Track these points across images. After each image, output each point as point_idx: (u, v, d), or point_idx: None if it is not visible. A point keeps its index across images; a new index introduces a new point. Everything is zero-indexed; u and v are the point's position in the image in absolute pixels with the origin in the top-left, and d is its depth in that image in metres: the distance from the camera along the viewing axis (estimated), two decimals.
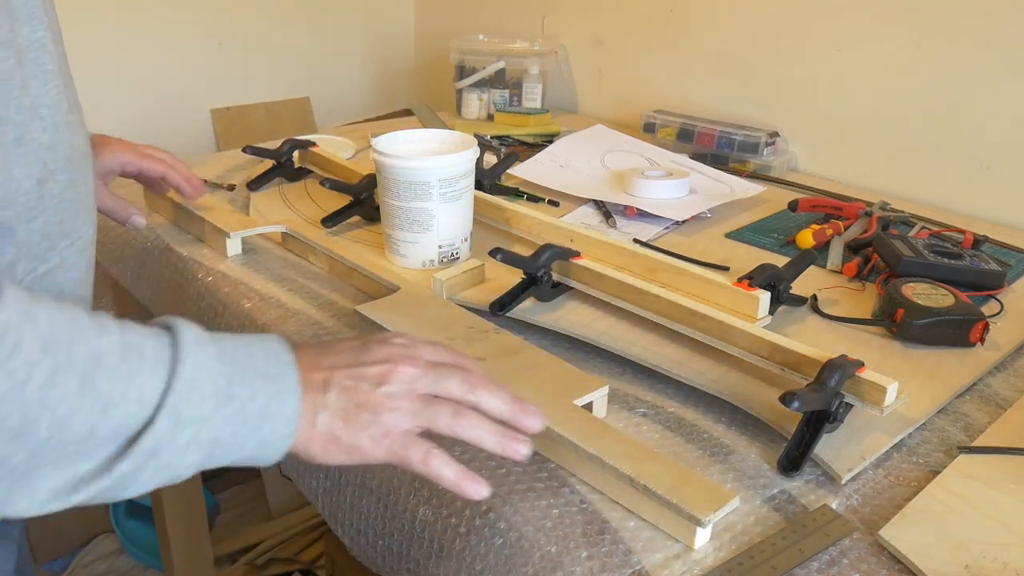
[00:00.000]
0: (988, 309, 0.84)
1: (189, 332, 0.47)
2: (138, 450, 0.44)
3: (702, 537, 0.53)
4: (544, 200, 1.11)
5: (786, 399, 0.57)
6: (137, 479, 0.45)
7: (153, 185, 0.95)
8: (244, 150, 1.17)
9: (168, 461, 0.45)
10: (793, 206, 1.09)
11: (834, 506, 0.57)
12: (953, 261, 0.86)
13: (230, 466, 0.49)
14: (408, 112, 1.67)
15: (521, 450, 0.52)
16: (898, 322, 0.75)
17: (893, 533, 0.54)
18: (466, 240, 0.90)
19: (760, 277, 0.77)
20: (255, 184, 1.11)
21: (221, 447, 0.47)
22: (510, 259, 0.78)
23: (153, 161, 0.89)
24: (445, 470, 0.51)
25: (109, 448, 0.44)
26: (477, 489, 0.51)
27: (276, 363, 0.50)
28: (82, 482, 0.44)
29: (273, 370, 0.49)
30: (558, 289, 0.81)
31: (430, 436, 0.52)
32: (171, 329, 0.47)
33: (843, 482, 0.59)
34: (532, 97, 1.57)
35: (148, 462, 0.44)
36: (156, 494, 1.26)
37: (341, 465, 0.51)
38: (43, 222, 0.54)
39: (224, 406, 0.46)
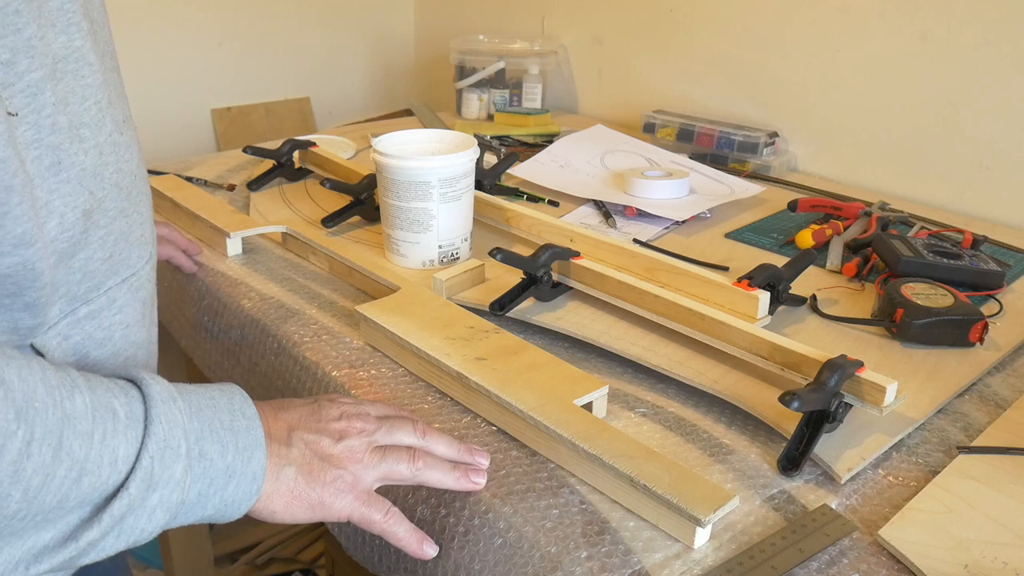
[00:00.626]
0: (987, 309, 0.84)
1: (156, 387, 0.46)
2: (107, 516, 0.42)
3: (702, 537, 0.53)
4: (544, 200, 1.11)
5: (786, 399, 0.57)
6: (98, 545, 0.43)
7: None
8: (244, 150, 1.17)
9: (134, 525, 0.43)
10: (793, 206, 1.09)
11: (834, 506, 0.57)
12: (952, 261, 0.86)
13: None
14: (408, 112, 1.67)
15: (480, 481, 0.56)
16: (897, 322, 0.76)
17: (893, 533, 0.54)
18: (466, 240, 0.90)
19: (760, 277, 0.77)
20: (255, 184, 1.11)
21: (186, 508, 0.46)
22: (510, 259, 0.78)
23: (161, 245, 0.88)
24: (400, 529, 0.53)
25: (76, 515, 0.42)
26: (428, 550, 0.54)
27: (241, 416, 0.49)
28: (45, 552, 0.42)
29: (239, 424, 0.48)
30: (558, 289, 0.81)
31: (385, 490, 0.55)
32: (137, 384, 0.46)
33: (843, 482, 0.59)
34: (532, 97, 1.57)
35: (114, 527, 0.43)
36: None
37: (302, 522, 0.51)
38: (84, 258, 0.48)
39: (195, 465, 0.45)
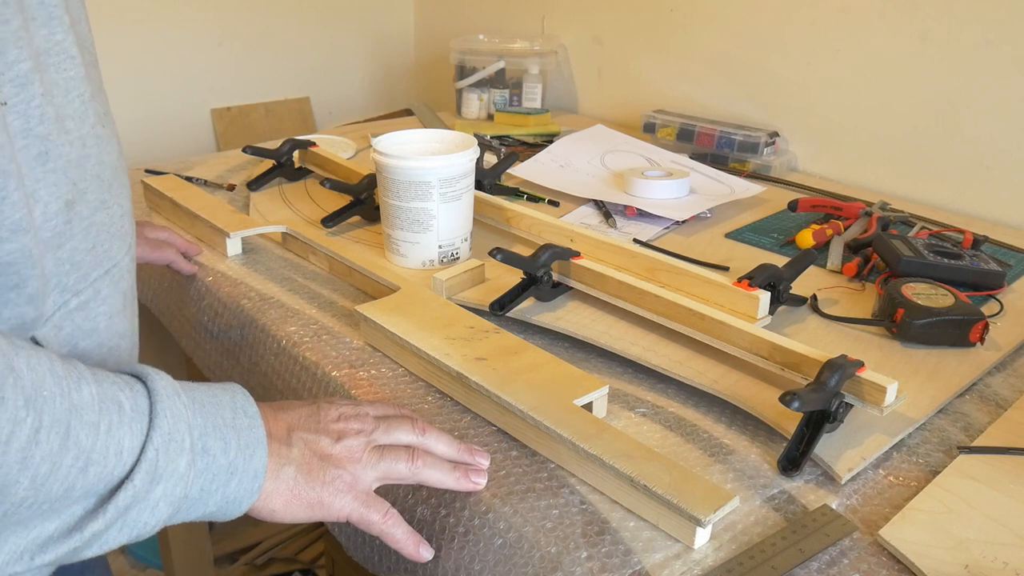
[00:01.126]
0: (988, 309, 0.84)
1: (161, 382, 0.46)
2: (112, 507, 0.42)
3: (702, 537, 0.53)
4: (544, 200, 1.11)
5: (786, 399, 0.57)
6: (102, 537, 0.43)
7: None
8: (244, 150, 1.17)
9: (137, 518, 0.44)
10: (793, 206, 1.09)
11: (834, 506, 0.57)
12: (953, 261, 0.86)
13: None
14: (408, 112, 1.67)
15: (480, 482, 0.57)
16: (898, 322, 0.75)
17: (893, 533, 0.54)
18: (466, 240, 0.90)
19: (760, 277, 0.76)
20: (255, 184, 1.11)
21: (188, 503, 0.46)
22: (510, 259, 0.78)
23: (158, 251, 0.88)
24: (398, 531, 0.54)
25: (81, 506, 0.43)
26: (424, 553, 0.55)
27: (243, 415, 0.49)
28: (49, 542, 0.42)
29: (241, 422, 0.49)
30: (558, 289, 0.81)
31: (385, 491, 0.55)
32: (143, 379, 0.46)
33: (843, 482, 0.59)
34: (532, 97, 1.57)
35: (118, 519, 0.43)
36: None
37: (301, 522, 0.52)
38: (71, 249, 0.49)
39: (198, 460, 0.46)
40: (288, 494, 0.50)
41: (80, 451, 0.41)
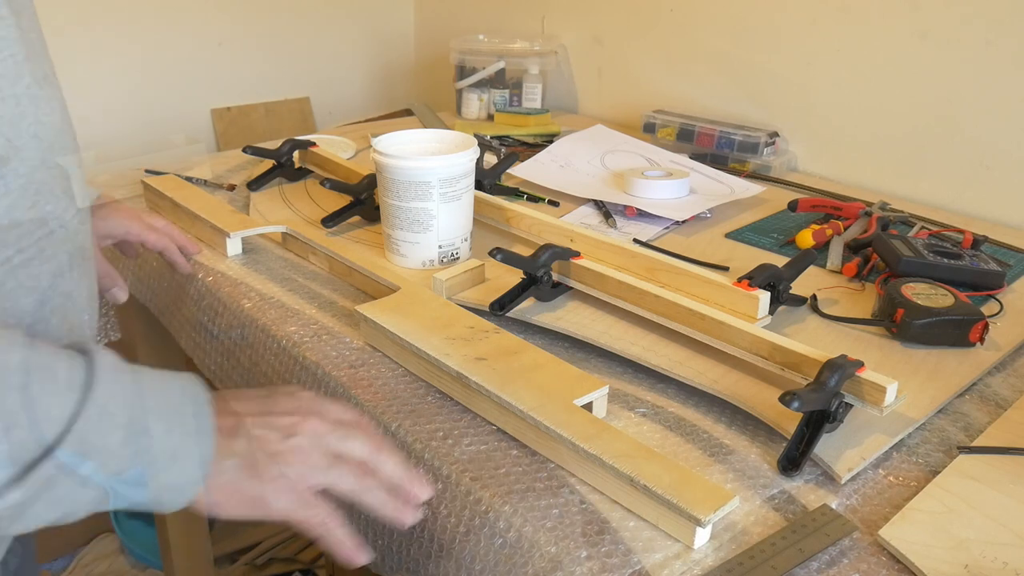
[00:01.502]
0: (988, 309, 0.84)
1: (105, 357, 0.45)
2: (34, 477, 0.41)
3: (702, 537, 0.53)
4: (544, 200, 1.11)
5: (786, 399, 0.57)
6: (27, 512, 0.42)
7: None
8: (244, 150, 1.17)
9: (64, 495, 0.42)
10: (793, 206, 1.09)
11: (834, 506, 0.57)
12: (953, 261, 0.86)
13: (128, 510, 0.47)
14: (408, 112, 1.67)
15: (411, 519, 0.54)
16: (898, 322, 0.76)
17: (893, 533, 0.54)
18: (466, 240, 0.90)
19: (760, 277, 0.77)
20: (255, 184, 1.11)
21: (123, 486, 0.44)
22: (510, 259, 0.78)
23: (156, 234, 0.86)
24: (338, 534, 0.52)
25: (4, 473, 0.41)
26: (361, 557, 0.52)
27: (192, 401, 0.48)
28: None
29: (188, 408, 0.47)
30: (558, 289, 0.81)
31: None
32: (86, 353, 0.45)
33: (843, 482, 0.59)
34: (532, 97, 1.57)
35: (42, 493, 0.41)
36: None
37: (239, 518, 0.50)
38: (8, 205, 0.48)
39: (134, 440, 0.44)
40: (229, 488, 0.48)
41: (1, 412, 0.40)
